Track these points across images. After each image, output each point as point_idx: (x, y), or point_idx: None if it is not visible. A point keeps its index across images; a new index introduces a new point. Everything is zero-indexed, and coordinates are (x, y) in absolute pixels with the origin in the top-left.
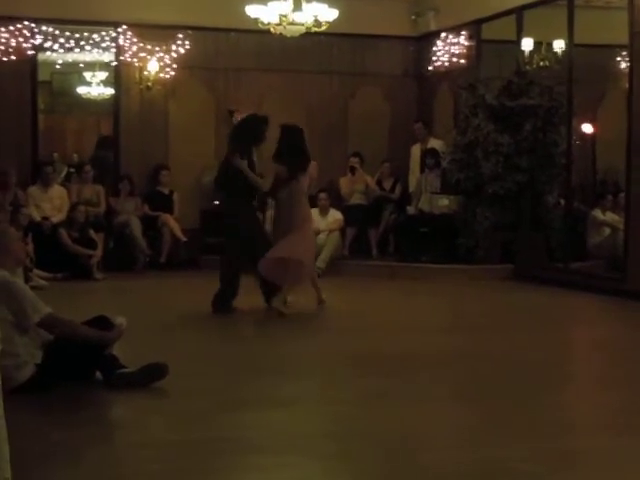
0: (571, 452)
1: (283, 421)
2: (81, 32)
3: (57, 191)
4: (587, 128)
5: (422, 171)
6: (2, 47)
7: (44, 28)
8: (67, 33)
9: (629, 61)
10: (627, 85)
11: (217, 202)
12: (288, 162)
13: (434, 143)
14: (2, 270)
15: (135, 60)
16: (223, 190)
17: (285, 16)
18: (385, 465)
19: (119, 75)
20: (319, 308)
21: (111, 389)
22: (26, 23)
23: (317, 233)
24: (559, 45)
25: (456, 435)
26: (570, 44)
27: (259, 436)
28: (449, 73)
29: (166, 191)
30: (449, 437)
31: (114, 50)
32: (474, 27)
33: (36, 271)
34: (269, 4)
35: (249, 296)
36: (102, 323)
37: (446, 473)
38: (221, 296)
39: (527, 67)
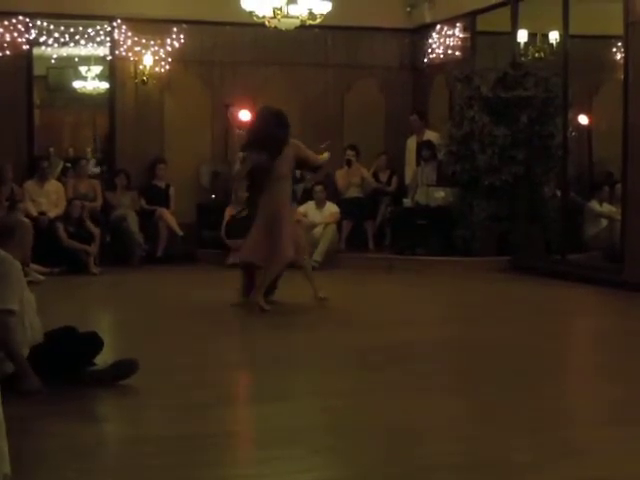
0: (570, 443)
1: (277, 414)
2: (76, 26)
3: (53, 186)
4: (583, 119)
5: (418, 163)
6: None
7: (39, 23)
8: (62, 27)
9: (624, 52)
10: (623, 76)
11: (213, 196)
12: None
13: (430, 135)
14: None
15: (130, 54)
16: None
17: (279, 9)
18: (381, 457)
19: (114, 69)
20: (318, 304)
21: (83, 386)
22: (21, 18)
23: (313, 226)
24: (554, 36)
25: (453, 426)
26: (565, 35)
27: (253, 429)
28: (444, 65)
29: (162, 185)
30: (446, 428)
31: (109, 44)
32: (469, 19)
33: (33, 266)
34: None
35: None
36: (68, 334)
37: (443, 464)
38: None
39: (522, 58)
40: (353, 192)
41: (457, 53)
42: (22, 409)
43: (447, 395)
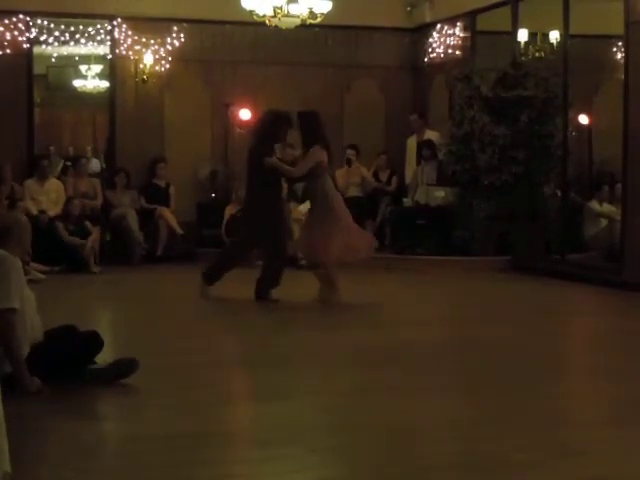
0: (570, 442)
1: (277, 413)
2: (76, 25)
3: (53, 184)
4: (583, 119)
5: (418, 163)
6: None
7: (39, 21)
8: (62, 26)
9: (624, 52)
10: (623, 76)
11: (214, 195)
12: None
13: (430, 135)
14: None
15: (130, 53)
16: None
17: (280, 8)
18: (381, 457)
19: (114, 68)
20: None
21: (83, 384)
22: (21, 16)
23: None
24: (554, 36)
25: (453, 426)
26: (565, 35)
27: (253, 429)
28: (444, 65)
29: (162, 184)
30: (446, 428)
31: (109, 43)
32: (469, 18)
33: (33, 264)
34: None
35: (248, 287)
36: (69, 333)
37: (443, 464)
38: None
39: (522, 58)
40: (353, 192)
41: (457, 53)
42: (22, 407)
43: (447, 395)
